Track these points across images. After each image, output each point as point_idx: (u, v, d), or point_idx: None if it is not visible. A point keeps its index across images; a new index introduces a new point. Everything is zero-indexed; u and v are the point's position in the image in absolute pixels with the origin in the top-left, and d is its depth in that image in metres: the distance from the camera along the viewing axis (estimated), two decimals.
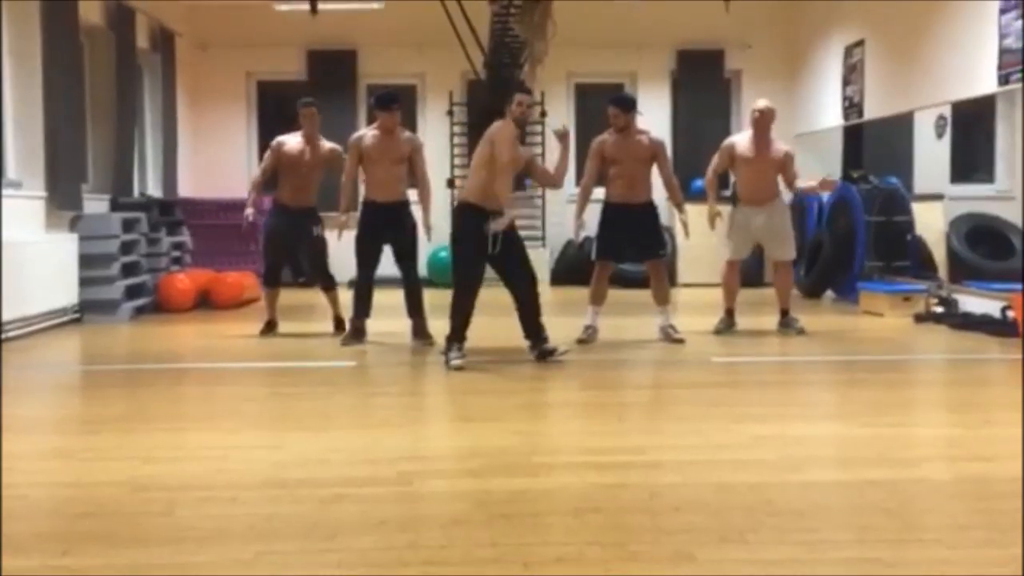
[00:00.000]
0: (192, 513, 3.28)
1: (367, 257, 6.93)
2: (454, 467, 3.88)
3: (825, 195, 7.51)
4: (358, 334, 6.94)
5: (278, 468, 3.80)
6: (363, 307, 6.96)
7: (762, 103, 7.36)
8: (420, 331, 6.90)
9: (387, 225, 6.85)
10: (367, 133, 6.94)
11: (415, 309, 6.93)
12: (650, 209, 7.01)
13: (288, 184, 7.34)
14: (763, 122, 7.26)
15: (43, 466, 3.95)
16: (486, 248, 5.92)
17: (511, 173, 5.98)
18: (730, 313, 7.40)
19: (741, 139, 7.46)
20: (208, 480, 3.65)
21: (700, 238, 10.37)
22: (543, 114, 12.02)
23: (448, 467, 3.88)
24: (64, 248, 8.05)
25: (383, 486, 3.58)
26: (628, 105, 7.02)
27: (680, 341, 6.85)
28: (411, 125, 12.16)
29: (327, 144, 7.43)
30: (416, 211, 7.06)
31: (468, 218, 6.01)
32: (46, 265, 7.66)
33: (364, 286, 6.95)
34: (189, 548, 2.95)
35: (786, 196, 7.67)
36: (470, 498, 3.43)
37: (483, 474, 3.75)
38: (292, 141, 7.36)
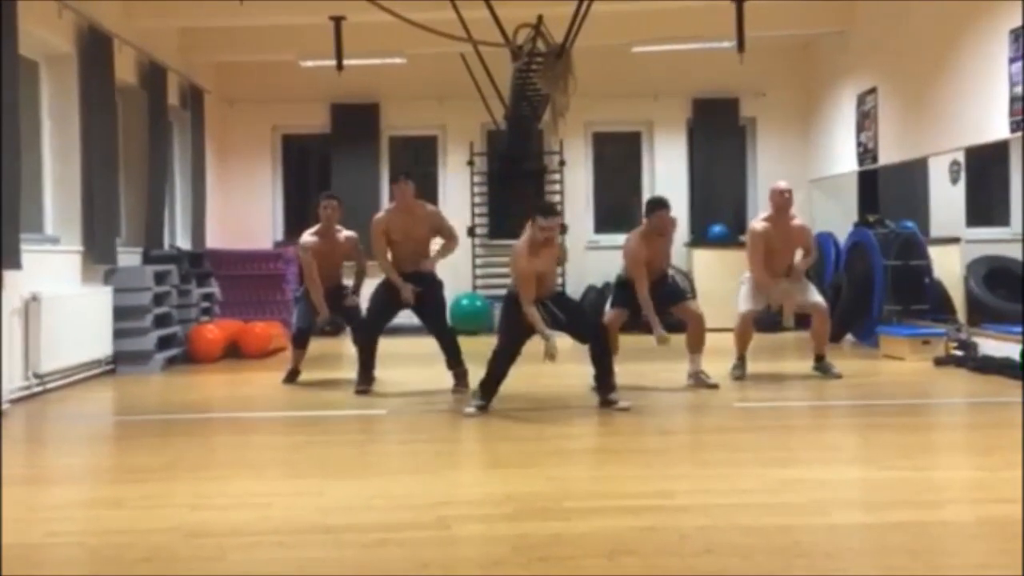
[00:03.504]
0: (244, 558, 3.43)
1: (380, 314, 7.17)
2: (490, 512, 4.00)
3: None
4: (369, 379, 7.14)
5: (322, 514, 3.94)
6: (369, 357, 7.15)
7: (784, 184, 7.66)
8: (461, 380, 7.07)
9: (416, 295, 7.03)
10: (390, 214, 7.13)
11: (454, 361, 7.11)
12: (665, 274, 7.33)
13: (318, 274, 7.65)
14: (788, 203, 7.53)
15: (96, 514, 4.11)
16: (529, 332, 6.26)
17: (531, 285, 6.19)
18: (742, 359, 7.58)
19: (766, 225, 7.60)
20: (256, 526, 3.80)
21: (716, 283, 10.61)
22: (562, 163, 12.29)
23: (485, 512, 4.01)
24: (99, 300, 8.27)
25: (424, 530, 3.72)
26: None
27: (714, 386, 7.02)
28: (432, 176, 12.48)
29: (344, 234, 7.74)
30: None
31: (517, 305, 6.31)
32: (83, 317, 7.88)
33: (369, 338, 7.16)
34: None
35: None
36: (507, 542, 3.56)
37: (519, 519, 3.89)
38: (312, 239, 7.62)
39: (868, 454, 5.14)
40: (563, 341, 6.31)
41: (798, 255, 7.65)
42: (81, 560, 3.44)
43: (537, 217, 6.25)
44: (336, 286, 7.70)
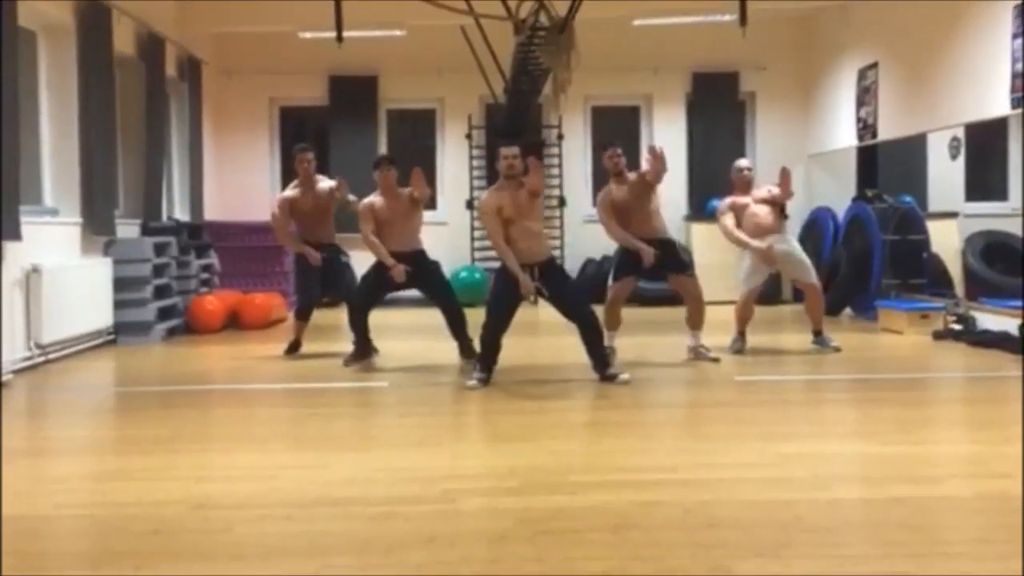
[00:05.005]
0: (251, 530, 3.46)
1: (370, 292, 7.16)
2: (494, 485, 4.03)
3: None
4: (363, 354, 7.14)
5: (328, 487, 3.97)
6: (361, 333, 7.12)
7: (745, 162, 7.86)
8: (466, 351, 7.05)
9: (410, 274, 7.00)
10: (374, 200, 7.13)
11: (459, 332, 7.10)
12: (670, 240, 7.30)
13: (306, 230, 7.69)
14: (749, 180, 7.61)
15: (104, 486, 4.13)
16: (519, 297, 6.30)
17: (495, 221, 6.28)
18: (742, 334, 7.62)
19: (733, 196, 7.67)
20: (262, 499, 3.83)
21: (714, 257, 10.63)
22: (560, 137, 12.27)
23: (489, 485, 4.04)
24: (99, 272, 8.27)
25: (429, 504, 3.75)
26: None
27: (715, 360, 7.06)
28: (431, 148, 12.46)
29: (324, 184, 7.71)
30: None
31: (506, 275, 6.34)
32: (83, 289, 7.89)
33: (358, 315, 7.12)
34: (254, 564, 3.14)
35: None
36: (512, 515, 3.59)
37: (522, 492, 3.92)
38: (293, 193, 7.68)
39: (868, 429, 5.17)
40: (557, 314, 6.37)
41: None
42: (90, 532, 3.47)
43: (502, 149, 6.36)
44: (329, 244, 7.69)
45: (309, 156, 7.69)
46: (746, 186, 7.61)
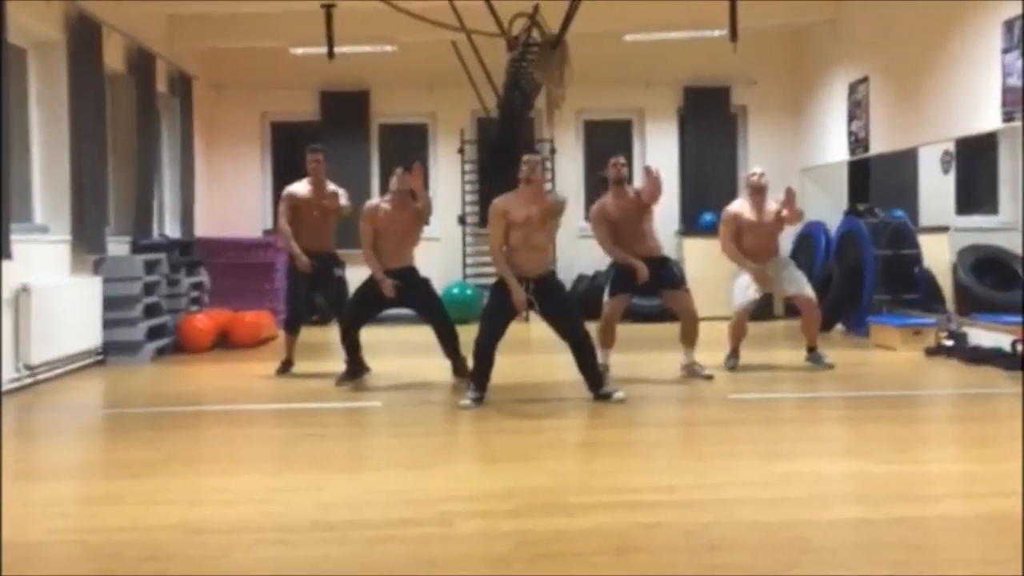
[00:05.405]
0: (247, 556, 3.42)
1: (360, 309, 7.10)
2: (492, 507, 3.98)
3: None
4: (355, 373, 7.10)
5: (323, 510, 3.93)
6: (352, 351, 7.08)
7: (759, 169, 7.79)
8: (460, 370, 6.99)
9: (400, 291, 6.95)
10: (380, 204, 7.10)
11: (451, 351, 7.07)
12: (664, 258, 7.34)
13: (303, 231, 7.57)
14: (762, 186, 7.59)
15: (95, 511, 4.08)
16: (513, 311, 6.25)
17: (499, 226, 6.28)
18: (736, 351, 7.60)
19: (741, 205, 7.67)
20: (257, 523, 3.78)
21: (707, 272, 10.63)
22: (553, 151, 12.26)
23: (486, 507, 3.99)
24: (89, 291, 8.19)
25: (427, 527, 3.71)
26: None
27: (709, 378, 7.03)
28: (423, 163, 12.38)
29: (331, 188, 7.69)
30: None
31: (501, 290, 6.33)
32: (72, 308, 7.81)
33: (352, 330, 7.07)
34: None
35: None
36: (512, 538, 3.55)
37: (521, 514, 3.88)
38: (301, 189, 7.62)
39: (864, 447, 5.15)
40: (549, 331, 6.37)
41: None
42: (84, 559, 3.41)
43: (525, 155, 6.42)
44: (325, 253, 7.59)
45: (318, 156, 7.64)
46: (760, 191, 7.59)
